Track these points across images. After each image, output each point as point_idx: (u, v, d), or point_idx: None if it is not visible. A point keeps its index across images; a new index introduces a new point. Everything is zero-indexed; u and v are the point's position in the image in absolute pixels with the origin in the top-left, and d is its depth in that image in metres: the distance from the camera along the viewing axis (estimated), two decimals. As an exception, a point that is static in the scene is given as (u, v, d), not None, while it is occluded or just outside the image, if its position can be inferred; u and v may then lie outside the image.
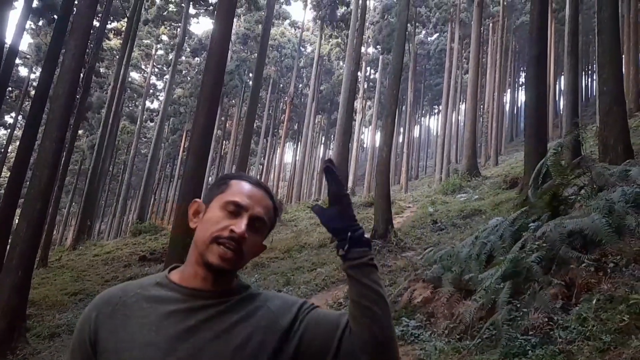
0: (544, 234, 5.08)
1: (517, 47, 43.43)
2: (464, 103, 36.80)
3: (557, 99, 34.72)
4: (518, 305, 4.68)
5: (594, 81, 38.19)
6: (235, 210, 0.93)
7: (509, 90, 45.12)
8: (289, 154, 65.30)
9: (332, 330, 0.91)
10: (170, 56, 35.75)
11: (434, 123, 67.95)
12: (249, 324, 0.90)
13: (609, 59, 8.18)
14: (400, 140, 41.40)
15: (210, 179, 40.75)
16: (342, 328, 0.90)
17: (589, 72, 43.06)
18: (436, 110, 55.21)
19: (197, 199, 0.99)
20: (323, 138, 52.47)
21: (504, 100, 41.65)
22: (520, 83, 46.76)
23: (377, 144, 23.12)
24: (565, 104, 14.51)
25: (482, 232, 6.65)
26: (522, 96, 46.31)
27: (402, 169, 35.49)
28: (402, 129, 41.22)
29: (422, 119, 56.27)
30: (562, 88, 31.21)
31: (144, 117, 39.38)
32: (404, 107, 41.01)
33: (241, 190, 0.96)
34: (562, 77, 31.14)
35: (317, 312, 0.96)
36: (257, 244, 0.96)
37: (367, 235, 0.95)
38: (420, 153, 51.97)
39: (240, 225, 0.90)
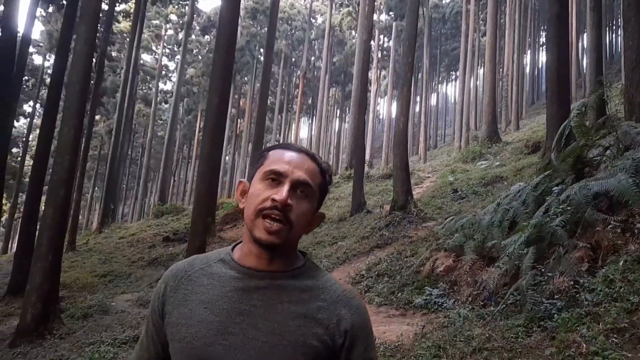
0: (568, 197, 4.96)
1: (537, 5, 41.73)
2: (482, 67, 35.79)
3: (579, 57, 33.45)
4: (542, 270, 4.62)
5: (619, 37, 36.63)
6: (275, 178, 0.88)
7: (529, 52, 43.66)
8: (304, 130, 65.17)
9: None
10: (180, 36, 35.58)
11: (451, 90, 66.62)
12: (305, 325, 0.86)
13: (635, 12, 7.77)
14: (417, 109, 40.74)
15: (227, 158, 41.06)
16: None
17: (613, 27, 41.23)
18: (453, 77, 53.93)
19: (242, 179, 0.96)
20: (338, 111, 51.98)
21: (524, 62, 40.39)
22: (541, 43, 45.04)
23: (394, 115, 22.79)
24: (589, 62, 13.97)
25: (504, 199, 6.54)
26: (543, 57, 44.71)
27: (420, 139, 35.04)
28: (418, 98, 40.49)
29: (439, 86, 55.04)
30: (585, 46, 30.07)
31: (158, 99, 39.58)
32: (419, 75, 40.11)
33: (279, 157, 0.90)
34: (585, 34, 29.95)
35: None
36: (308, 212, 0.90)
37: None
38: (438, 121, 51.09)
39: (282, 192, 0.85)
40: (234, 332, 0.84)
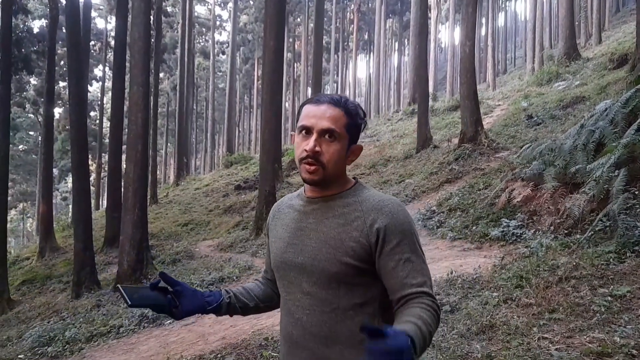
0: (668, 110, 4.42)
1: None
2: (555, -23, 32.04)
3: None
4: (636, 193, 4.26)
5: None
6: (305, 132, 1.11)
7: (611, -49, 38.15)
8: (362, 68, 63.16)
9: (392, 290, 1.07)
10: (230, -17, 34.95)
11: (521, 6, 60.66)
12: (345, 230, 1.09)
13: None
14: (483, 32, 37.73)
15: (286, 104, 41.18)
16: (398, 297, 1.05)
17: None
18: (522, -8, 48.86)
19: (293, 132, 1.18)
20: (396, 44, 49.54)
21: (606, -35, 35.43)
22: (627, -61, 39.09)
23: (457, 41, 21.32)
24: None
25: (589, 119, 5.99)
26: (628, -45, 38.87)
27: (488, 65, 32.73)
28: (484, 20, 37.37)
29: (507, 3, 50.24)
30: None
31: (216, 50, 39.93)
32: (484, -6, 36.77)
33: (306, 113, 1.12)
34: None
35: (391, 264, 1.06)
36: (339, 150, 1.11)
37: None
38: (508, 44, 47.19)
39: (309, 143, 1.09)
40: (296, 243, 1.15)
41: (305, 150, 1.09)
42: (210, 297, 1.18)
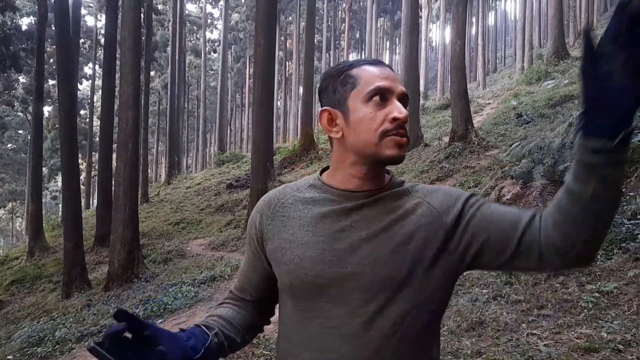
0: (654, 109, 4.49)
1: None
2: (545, -24, 32.34)
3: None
4: (623, 190, 4.32)
5: None
6: (382, 97, 0.85)
7: (600, -48, 38.55)
8: (354, 66, 63.09)
9: (510, 229, 0.81)
10: (221, -19, 34.80)
11: (511, 6, 61.15)
12: (408, 222, 0.85)
13: None
14: (474, 31, 37.99)
15: (278, 103, 41.10)
16: (524, 227, 0.80)
17: None
18: (512, -9, 49.24)
19: (326, 108, 0.90)
20: (388, 43, 49.70)
21: (595, -35, 35.79)
22: (615, -60, 39.54)
23: (448, 40, 21.44)
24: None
25: (577, 118, 6.06)
26: (617, -44, 39.28)
27: (478, 64, 32.95)
28: (474, 19, 37.62)
29: (497, 2, 50.59)
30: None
31: (207, 48, 39.73)
32: (474, -6, 37.01)
33: (374, 74, 0.86)
34: None
35: (490, 208, 0.85)
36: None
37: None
38: (497, 43, 47.50)
39: (400, 109, 0.84)
40: (338, 248, 0.85)
41: (396, 118, 0.83)
42: (191, 339, 0.83)
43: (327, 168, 0.96)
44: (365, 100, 0.85)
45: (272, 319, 1.06)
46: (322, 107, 0.92)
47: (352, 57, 56.27)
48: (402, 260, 0.82)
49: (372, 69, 0.87)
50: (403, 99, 0.86)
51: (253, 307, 1.02)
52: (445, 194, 0.89)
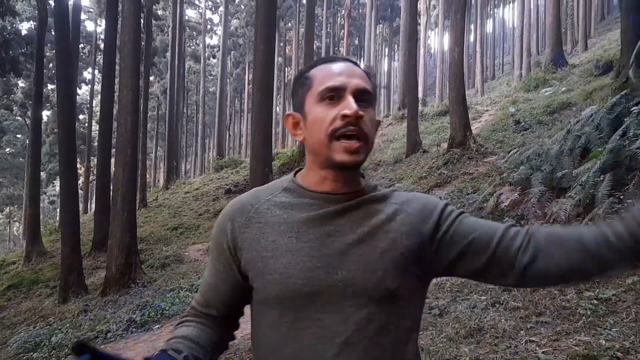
0: (651, 117, 4.52)
1: None
2: (542, -15, 32.54)
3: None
4: (621, 197, 4.32)
5: None
6: (333, 96, 0.81)
7: (597, -40, 38.87)
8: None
9: (488, 237, 0.83)
10: (221, -13, 34.97)
11: (509, 13, 61.39)
12: (391, 228, 0.84)
13: None
14: (472, 38, 38.19)
15: (277, 108, 41.18)
16: (497, 240, 0.83)
17: None
18: (510, -1, 49.51)
19: (290, 112, 0.89)
20: (386, 50, 49.90)
21: (592, -27, 36.06)
22: (612, -51, 39.85)
23: (446, 47, 21.53)
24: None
25: (575, 125, 6.09)
26: (614, -35, 39.61)
27: (477, 70, 33.09)
28: (472, 26, 37.81)
29: (495, 10, 50.91)
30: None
31: (206, 54, 39.84)
32: (473, 0, 37.25)
33: (328, 73, 0.83)
34: None
35: (466, 216, 0.87)
36: (374, 119, 0.85)
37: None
38: (496, 50, 47.71)
39: (350, 105, 0.79)
40: (326, 253, 0.81)
41: (346, 115, 0.79)
42: None
43: (300, 169, 0.93)
44: (318, 101, 0.82)
45: (236, 332, 1.02)
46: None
47: (351, 63, 56.39)
48: (389, 265, 0.81)
49: (326, 68, 0.84)
50: (360, 94, 0.81)
51: (219, 323, 0.95)
52: (421, 203, 0.89)
